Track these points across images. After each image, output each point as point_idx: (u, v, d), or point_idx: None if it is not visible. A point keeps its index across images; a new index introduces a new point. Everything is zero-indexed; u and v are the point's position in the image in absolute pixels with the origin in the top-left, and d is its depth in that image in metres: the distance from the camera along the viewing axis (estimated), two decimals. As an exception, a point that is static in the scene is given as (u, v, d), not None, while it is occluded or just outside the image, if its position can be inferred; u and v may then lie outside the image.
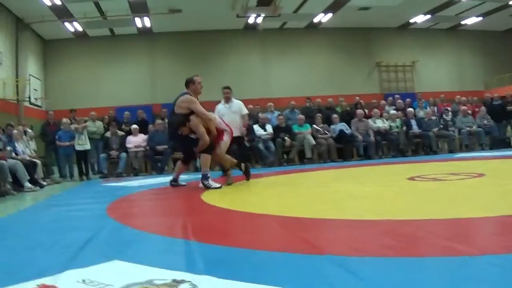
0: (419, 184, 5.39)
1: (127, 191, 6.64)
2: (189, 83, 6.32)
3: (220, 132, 6.35)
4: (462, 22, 20.15)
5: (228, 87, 8.02)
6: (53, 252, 2.74)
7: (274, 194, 5.52)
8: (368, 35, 20.40)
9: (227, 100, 7.85)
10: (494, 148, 11.54)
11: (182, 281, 1.95)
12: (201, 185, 5.93)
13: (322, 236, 2.82)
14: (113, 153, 10.52)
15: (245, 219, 3.70)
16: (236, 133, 7.35)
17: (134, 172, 10.50)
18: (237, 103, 7.86)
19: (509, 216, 2.88)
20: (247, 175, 6.74)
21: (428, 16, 19.11)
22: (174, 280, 1.97)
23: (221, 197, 5.14)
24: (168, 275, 2.03)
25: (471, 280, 1.72)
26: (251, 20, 17.88)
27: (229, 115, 7.57)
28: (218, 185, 5.95)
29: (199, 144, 6.11)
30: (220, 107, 7.87)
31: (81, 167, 10.09)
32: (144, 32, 18.79)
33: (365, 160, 10.95)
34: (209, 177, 5.99)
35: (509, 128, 12.92)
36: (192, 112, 6.03)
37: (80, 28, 17.53)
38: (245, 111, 7.94)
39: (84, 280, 2.05)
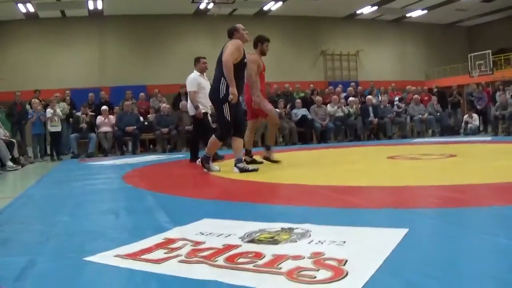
0: (402, 162, 5.66)
1: (123, 169, 6.39)
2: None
3: None
4: (407, 15, 21.00)
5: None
6: (132, 217, 2.85)
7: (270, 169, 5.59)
8: (315, 24, 20.86)
9: (203, 70, 7.05)
10: (444, 135, 12.24)
11: (291, 229, 2.10)
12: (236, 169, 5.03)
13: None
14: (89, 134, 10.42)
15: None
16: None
17: (104, 153, 10.45)
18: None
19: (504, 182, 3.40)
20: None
21: (375, 8, 19.78)
22: (283, 228, 2.12)
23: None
24: (272, 225, 2.19)
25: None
26: (202, 6, 17.77)
27: (207, 87, 6.63)
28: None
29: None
30: (200, 79, 6.94)
31: (53, 148, 10.07)
32: (95, 14, 18.30)
33: (324, 143, 11.27)
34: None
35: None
36: None
37: (32, 9, 16.89)
38: None
39: (202, 233, 2.14)
